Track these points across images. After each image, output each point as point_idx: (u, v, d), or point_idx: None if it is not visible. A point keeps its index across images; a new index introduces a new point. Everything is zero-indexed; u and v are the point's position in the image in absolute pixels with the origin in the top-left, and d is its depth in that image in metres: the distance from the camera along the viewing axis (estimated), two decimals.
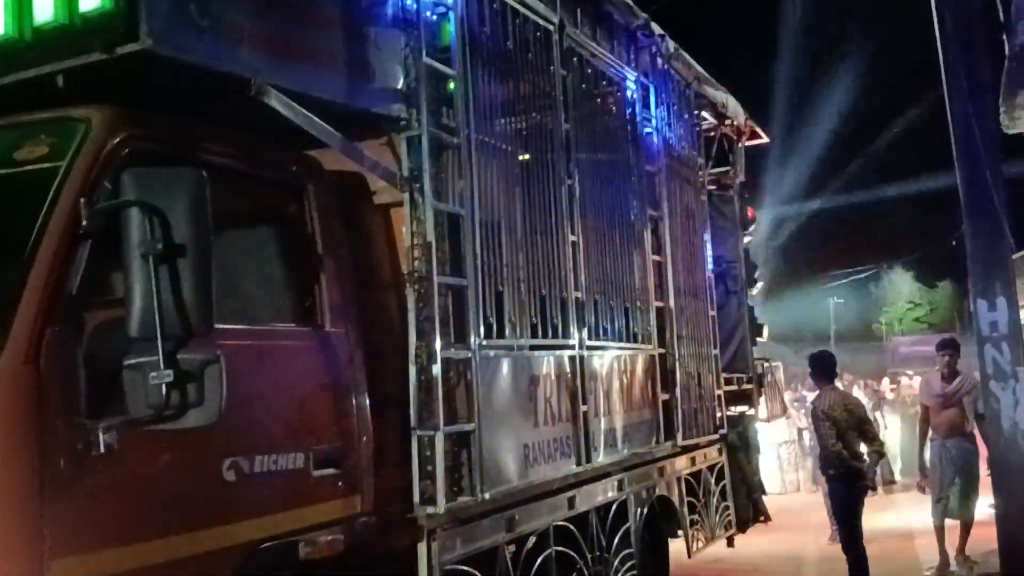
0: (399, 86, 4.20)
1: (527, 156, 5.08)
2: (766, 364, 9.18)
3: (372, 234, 4.28)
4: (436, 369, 4.04)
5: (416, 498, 4.00)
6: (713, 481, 7.49)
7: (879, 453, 7.56)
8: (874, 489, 7.69)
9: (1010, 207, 6.65)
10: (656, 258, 6.77)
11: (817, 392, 7.83)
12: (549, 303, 5.12)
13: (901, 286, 49.25)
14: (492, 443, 4.43)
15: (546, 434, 5.00)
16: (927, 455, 8.66)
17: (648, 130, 6.93)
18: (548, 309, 5.11)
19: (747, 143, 9.92)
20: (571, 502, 5.16)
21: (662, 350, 6.70)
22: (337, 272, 3.98)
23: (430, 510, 3.98)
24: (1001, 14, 6.52)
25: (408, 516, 3.98)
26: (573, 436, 5.29)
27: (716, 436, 7.58)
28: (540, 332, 5.02)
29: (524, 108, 5.09)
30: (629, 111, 6.61)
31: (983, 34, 6.66)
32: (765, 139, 10.10)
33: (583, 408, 5.37)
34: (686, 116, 7.76)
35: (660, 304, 6.75)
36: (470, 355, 4.29)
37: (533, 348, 4.98)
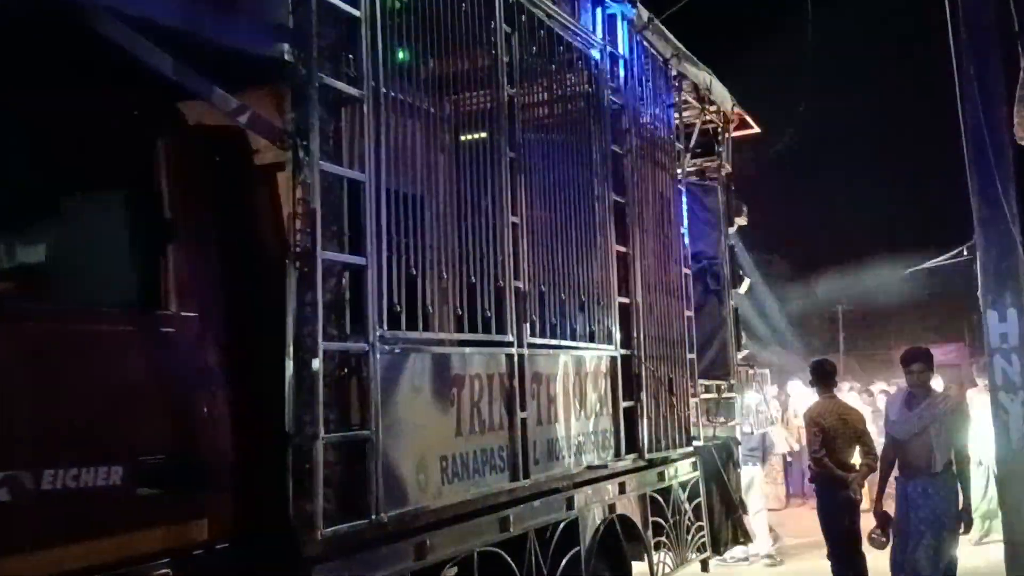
0: (285, 22, 3.50)
1: (457, 121, 4.37)
2: (751, 371, 8.44)
3: (249, 200, 3.57)
4: (317, 364, 3.34)
5: (290, 521, 3.29)
6: (685, 499, 6.76)
7: (870, 467, 7.10)
8: (858, 501, 7.23)
9: (1022, 218, 6.57)
10: (621, 248, 6.06)
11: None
12: (481, 292, 4.41)
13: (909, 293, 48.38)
14: (396, 454, 3.72)
15: (472, 444, 4.29)
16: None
17: (615, 107, 6.23)
18: (479, 299, 4.40)
19: (737, 133, 9.25)
20: (503, 523, 4.44)
21: (625, 352, 5.99)
22: (192, 244, 3.29)
23: (308, 536, 3.27)
24: (1016, 24, 6.62)
25: (281, 544, 3.27)
26: (508, 447, 4.57)
27: (690, 449, 6.85)
28: (468, 326, 4.32)
29: (454, 65, 4.38)
30: (592, 83, 5.90)
31: (997, 44, 6.61)
32: (756, 130, 9.38)
33: (522, 415, 4.66)
34: (663, 96, 7.06)
35: (624, 300, 6.04)
36: (367, 349, 3.59)
37: (461, 344, 4.28)
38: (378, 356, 3.61)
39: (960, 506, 6.26)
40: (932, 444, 6.17)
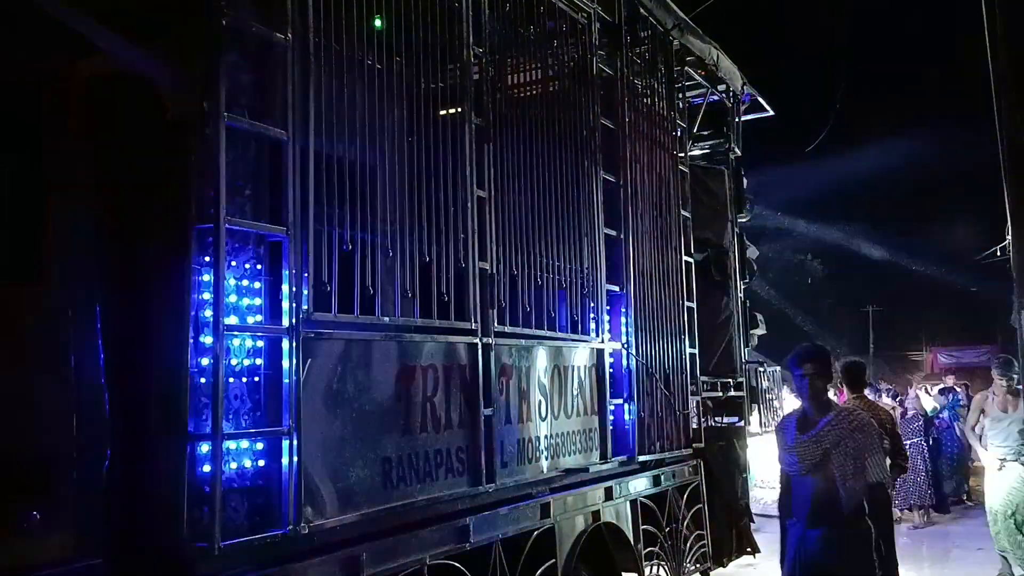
0: None
1: (412, 79, 3.88)
2: (760, 368, 7.88)
3: (153, 162, 3.09)
4: (218, 350, 2.86)
5: (183, 532, 2.81)
6: (684, 505, 6.22)
7: (901, 468, 6.77)
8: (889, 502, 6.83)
9: None
10: (610, 232, 5.54)
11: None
12: (437, 273, 3.92)
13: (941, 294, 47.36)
14: (322, 456, 3.24)
15: (424, 444, 3.80)
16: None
17: (606, 77, 5.71)
18: (435, 281, 3.91)
19: (749, 116, 8.70)
20: (461, 533, 3.94)
21: (615, 345, 5.47)
22: (76, 210, 2.82)
23: (202, 549, 2.80)
24: None
25: (171, 560, 2.80)
26: (470, 448, 4.08)
27: (689, 451, 6.32)
28: (421, 311, 3.83)
29: (405, 16, 3.88)
30: (579, 50, 5.39)
31: None
32: (769, 112, 8.81)
33: (486, 412, 4.17)
34: (663, 69, 6.52)
35: (614, 288, 5.53)
36: (285, 334, 3.11)
37: (411, 331, 3.79)
38: (299, 342, 3.13)
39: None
40: (837, 477, 4.46)
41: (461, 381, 4.07)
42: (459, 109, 4.18)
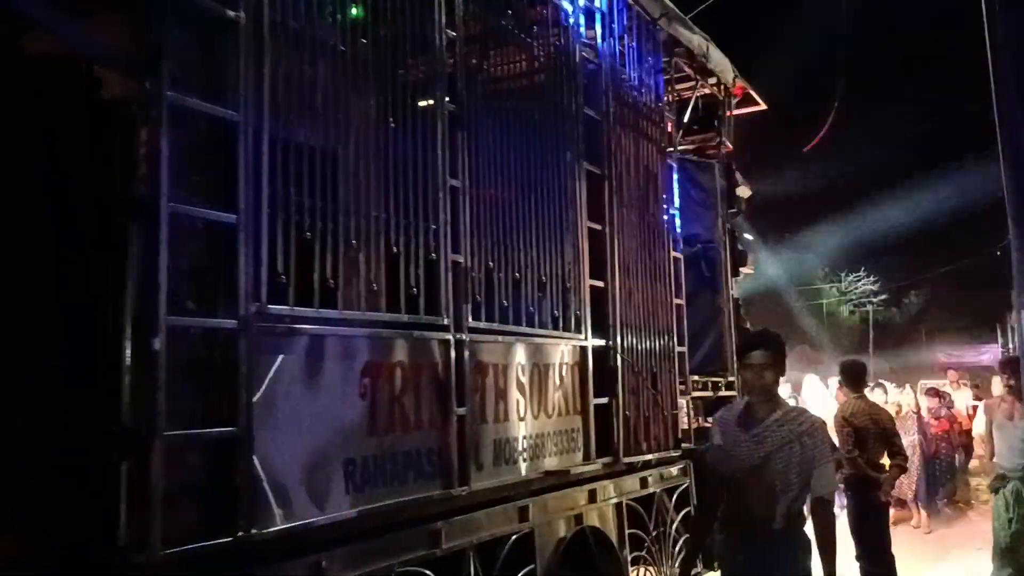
0: None
1: (379, 62, 3.69)
2: None
3: (89, 143, 2.90)
4: (158, 343, 2.67)
5: (121, 540, 2.63)
6: (672, 508, 6.04)
7: (900, 467, 7.01)
8: (888, 502, 7.20)
9: None
10: (594, 225, 5.36)
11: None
12: (406, 266, 3.74)
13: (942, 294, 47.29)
14: (278, 457, 3.05)
15: (391, 446, 3.61)
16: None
17: (591, 67, 5.54)
18: (404, 274, 3.73)
19: (741, 111, 8.52)
20: (432, 538, 3.76)
21: (599, 342, 5.28)
22: (6, 193, 2.63)
23: (138, 558, 2.61)
24: None
25: (107, 568, 2.61)
26: (442, 449, 3.89)
27: (678, 452, 6.13)
28: (388, 305, 3.65)
29: None
30: (560, 37, 5.20)
31: None
32: (762, 106, 8.63)
33: (459, 412, 3.98)
34: (650, 60, 6.33)
35: (598, 284, 5.34)
36: (237, 326, 2.92)
37: (378, 325, 3.60)
38: (251, 335, 2.95)
39: None
40: (776, 485, 3.88)
41: (433, 379, 3.88)
42: (431, 95, 3.99)
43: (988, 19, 6.69)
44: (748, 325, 7.63)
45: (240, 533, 2.85)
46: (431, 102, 3.99)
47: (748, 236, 7.75)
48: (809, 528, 3.98)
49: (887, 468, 6.94)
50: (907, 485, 10.77)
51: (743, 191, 7.53)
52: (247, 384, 2.92)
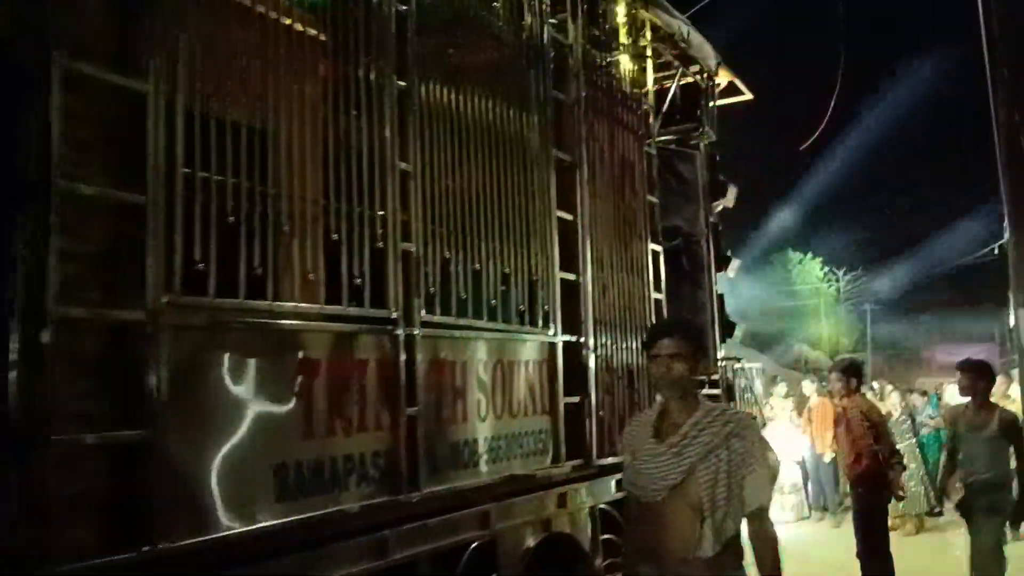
0: None
1: (314, 31, 3.42)
2: (736, 366, 7.42)
3: None
4: (47, 336, 2.40)
5: (12, 554, 2.35)
6: None
7: (901, 466, 7.04)
8: (899, 498, 7.39)
9: None
10: (565, 215, 5.08)
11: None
12: (349, 254, 3.46)
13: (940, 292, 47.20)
14: (193, 463, 2.77)
15: (331, 449, 3.33)
16: None
17: (560, 47, 5.26)
18: (346, 263, 3.45)
19: (726, 101, 8.25)
20: (379, 548, 3.48)
21: (570, 338, 5.01)
22: None
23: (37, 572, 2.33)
24: None
25: None
26: (390, 452, 3.61)
27: None
28: (327, 296, 3.37)
29: None
30: (523, 14, 4.92)
31: None
32: (748, 96, 8.36)
33: (409, 412, 3.70)
34: (626, 43, 6.06)
35: (569, 277, 5.07)
36: (144, 318, 2.64)
37: (314, 318, 3.33)
38: (162, 330, 2.67)
39: None
40: (703, 504, 3.10)
41: (380, 377, 3.60)
42: (380, 67, 3.71)
43: (984, 18, 6.67)
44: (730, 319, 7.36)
45: (146, 547, 2.57)
46: (377, 76, 3.71)
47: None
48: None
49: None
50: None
51: (729, 191, 7.25)
52: (156, 383, 2.64)
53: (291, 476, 3.14)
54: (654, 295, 6.04)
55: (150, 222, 2.68)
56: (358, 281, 3.48)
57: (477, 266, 4.24)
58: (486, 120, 4.43)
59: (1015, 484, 6.20)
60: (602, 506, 5.18)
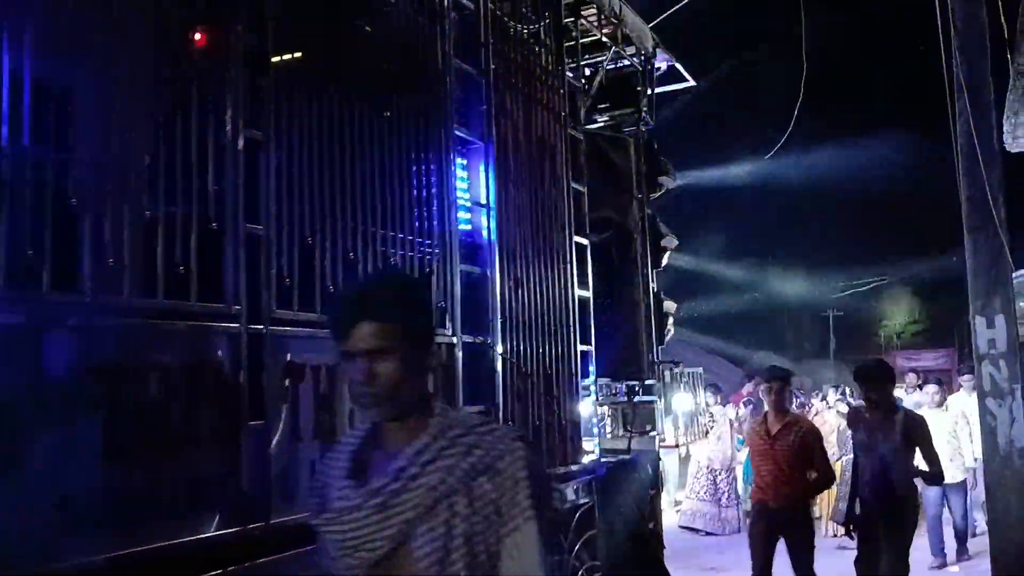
0: None
1: None
2: (675, 369, 6.87)
3: None
4: None
5: None
6: (572, 532, 5.19)
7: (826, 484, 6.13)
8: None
9: (1010, 225, 6.54)
10: (470, 200, 4.51)
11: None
12: (170, 237, 2.85)
13: (900, 299, 47.34)
14: None
15: (145, 472, 2.72)
16: None
17: (468, 13, 4.69)
18: (166, 248, 2.84)
19: (667, 88, 7.73)
20: None
21: (472, 338, 4.43)
22: None
23: None
24: (1006, 32, 6.79)
25: None
26: (227, 475, 3.01)
27: (579, 467, 5.29)
28: (145, 288, 2.76)
29: None
30: None
31: (988, 53, 6.58)
32: (691, 82, 7.84)
33: (255, 425, 3.10)
34: (547, 17, 5.51)
35: (473, 270, 4.49)
36: None
37: (137, 314, 2.72)
38: None
39: None
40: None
41: (214, 383, 3.00)
42: (220, 14, 3.12)
43: (942, 24, 6.67)
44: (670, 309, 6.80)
45: None
46: (219, 28, 3.11)
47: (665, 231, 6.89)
48: None
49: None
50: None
51: (666, 181, 6.71)
52: None
53: (83, 508, 2.51)
54: (579, 292, 5.49)
55: None
56: (181, 270, 2.87)
57: (352, 255, 3.65)
58: (367, 86, 3.85)
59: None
60: None
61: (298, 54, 3.52)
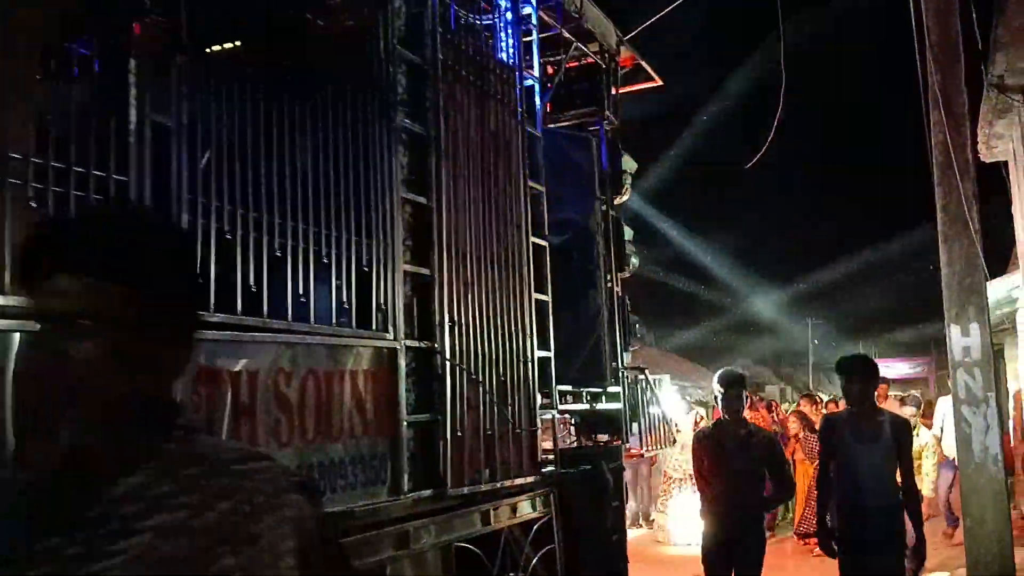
0: None
1: None
2: (641, 376, 6.64)
3: None
4: None
5: None
6: (529, 547, 4.93)
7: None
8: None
9: (984, 234, 6.68)
10: (415, 197, 4.26)
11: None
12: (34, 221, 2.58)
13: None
14: None
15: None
16: None
17: (413, 2, 4.45)
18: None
19: (633, 88, 7.53)
20: None
21: (418, 343, 4.17)
22: None
23: None
24: (980, 43, 6.95)
25: None
26: None
27: (537, 478, 5.04)
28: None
29: None
30: None
31: (962, 64, 6.72)
32: (657, 81, 7.64)
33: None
34: (503, 6, 5.28)
35: (419, 270, 4.24)
36: None
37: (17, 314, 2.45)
38: None
39: None
40: None
41: None
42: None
43: (919, 41, 6.72)
44: (637, 326, 6.59)
45: None
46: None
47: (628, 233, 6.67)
48: None
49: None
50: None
51: (627, 163, 6.48)
52: None
53: None
54: (537, 296, 5.24)
55: None
56: None
57: (279, 251, 3.38)
58: (302, 70, 3.59)
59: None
60: (461, 544, 4.34)
61: (226, 41, 3.28)
